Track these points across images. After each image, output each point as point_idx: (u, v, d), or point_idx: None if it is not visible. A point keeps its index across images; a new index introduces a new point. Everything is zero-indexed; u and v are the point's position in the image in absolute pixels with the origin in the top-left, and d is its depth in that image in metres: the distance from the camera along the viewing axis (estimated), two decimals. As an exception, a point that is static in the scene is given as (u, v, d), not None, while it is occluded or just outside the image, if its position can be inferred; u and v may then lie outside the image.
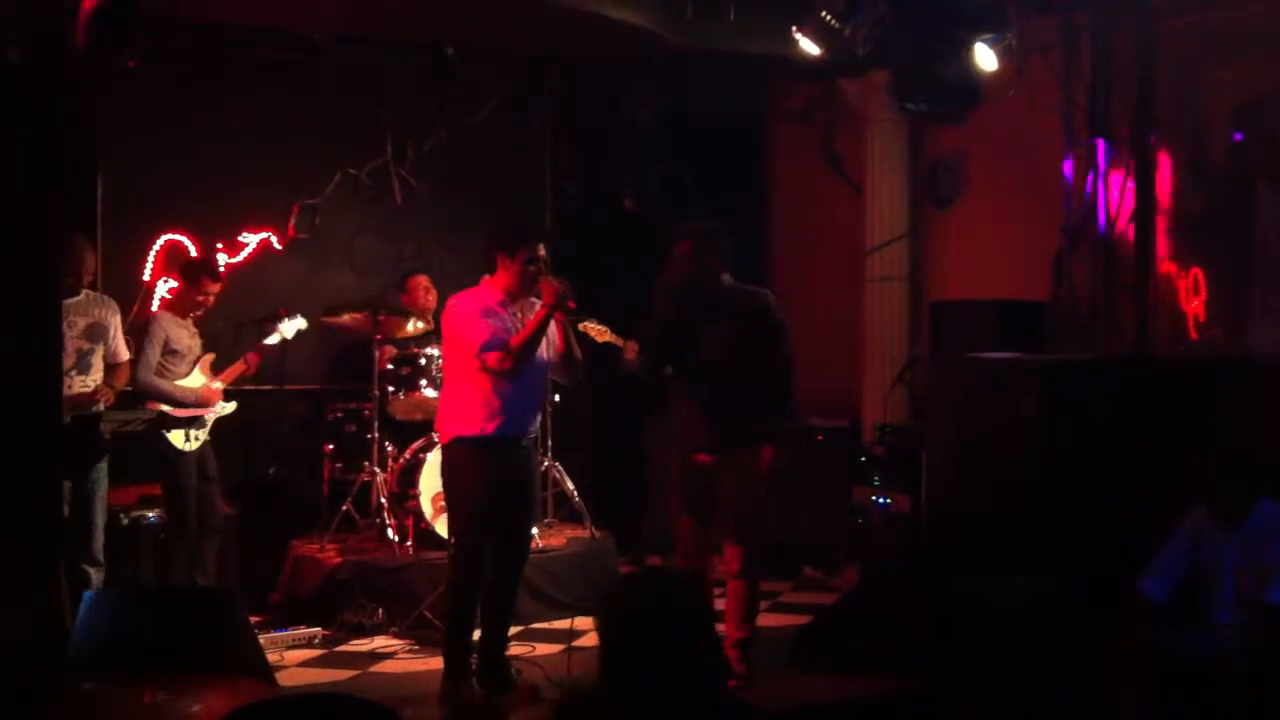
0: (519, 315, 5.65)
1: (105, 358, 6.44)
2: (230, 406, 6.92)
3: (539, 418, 5.91)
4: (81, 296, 6.36)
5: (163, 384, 6.64)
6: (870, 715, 5.35)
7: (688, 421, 5.90)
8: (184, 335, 6.78)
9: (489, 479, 5.54)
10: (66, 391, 6.08)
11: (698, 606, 2.85)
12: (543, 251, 5.64)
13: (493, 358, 5.46)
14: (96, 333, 6.37)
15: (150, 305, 7.79)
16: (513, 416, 5.60)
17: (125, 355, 6.56)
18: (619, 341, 7.76)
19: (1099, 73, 7.27)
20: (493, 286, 5.65)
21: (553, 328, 5.67)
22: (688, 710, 2.67)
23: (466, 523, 5.62)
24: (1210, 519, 4.78)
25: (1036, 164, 7.59)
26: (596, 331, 7.59)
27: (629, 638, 2.72)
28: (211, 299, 6.84)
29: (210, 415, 6.80)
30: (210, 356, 6.89)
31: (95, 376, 6.37)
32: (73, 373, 6.20)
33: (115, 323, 6.51)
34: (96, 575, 6.37)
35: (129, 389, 6.65)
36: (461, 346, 5.56)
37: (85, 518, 6.25)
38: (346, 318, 7.51)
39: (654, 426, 8.34)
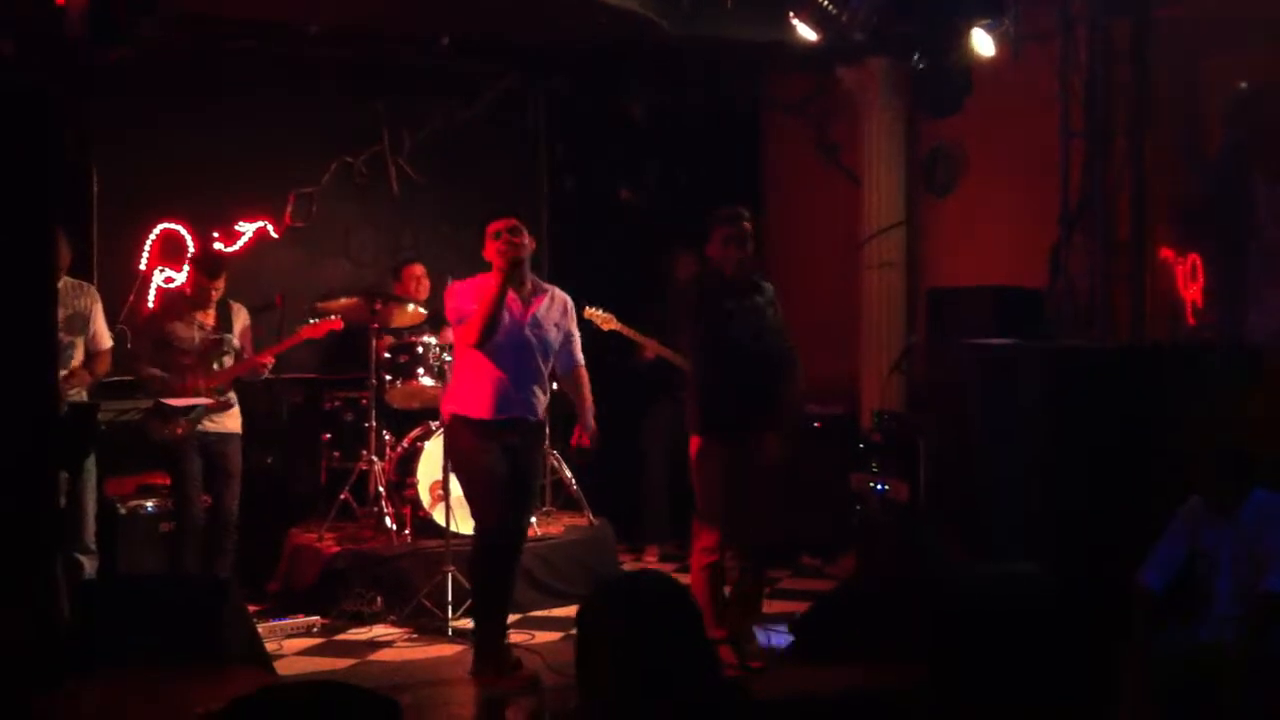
0: (518, 300, 5.73)
1: (86, 345, 6.40)
2: (205, 402, 6.71)
3: (542, 403, 5.89)
4: (59, 286, 6.30)
5: (155, 374, 6.63)
6: (867, 705, 5.36)
7: (723, 405, 5.86)
8: (181, 328, 6.70)
9: (490, 451, 5.65)
10: None
11: (683, 605, 2.83)
12: (513, 222, 5.68)
13: (459, 330, 5.65)
14: (75, 324, 6.28)
15: (146, 294, 7.77)
16: (507, 401, 5.69)
17: (108, 342, 6.50)
18: (633, 335, 7.77)
19: (1096, 61, 7.26)
20: (490, 276, 5.74)
21: (571, 328, 5.92)
22: (686, 709, 2.66)
23: (480, 494, 5.70)
24: (1206, 509, 4.78)
25: (1033, 151, 7.57)
26: (602, 319, 7.62)
27: (615, 642, 2.70)
28: (214, 294, 6.79)
29: (203, 405, 6.72)
30: (221, 351, 6.84)
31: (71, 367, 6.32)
32: None
33: (96, 310, 6.44)
34: (89, 563, 6.36)
35: (120, 378, 6.64)
36: (451, 325, 5.75)
37: (76, 507, 6.24)
38: (343, 303, 7.49)
39: (653, 415, 8.35)
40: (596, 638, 2.73)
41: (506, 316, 5.66)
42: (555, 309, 5.87)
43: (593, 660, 2.73)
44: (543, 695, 5.65)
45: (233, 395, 6.80)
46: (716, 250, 5.93)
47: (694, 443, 5.93)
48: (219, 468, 6.74)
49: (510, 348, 5.68)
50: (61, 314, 6.22)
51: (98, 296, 6.52)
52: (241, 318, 6.91)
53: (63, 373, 6.21)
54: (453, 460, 5.96)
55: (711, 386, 5.88)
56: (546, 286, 5.89)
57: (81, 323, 6.33)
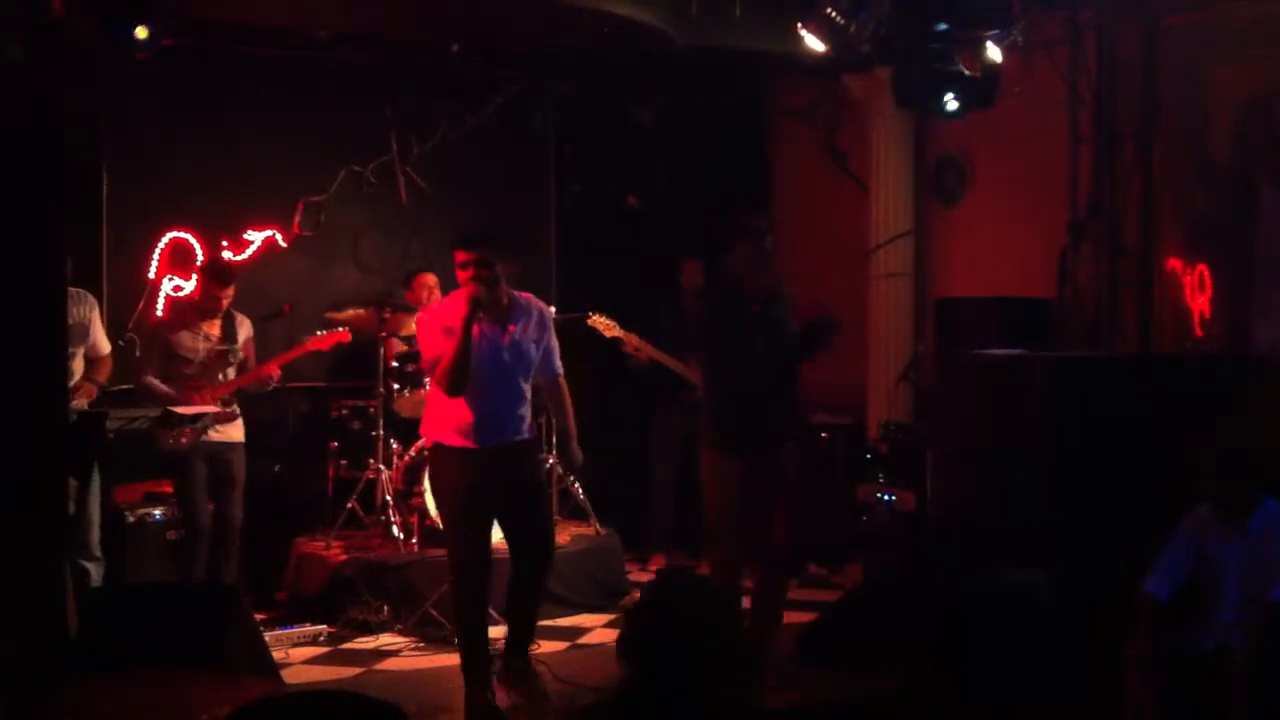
0: (492, 320, 5.46)
1: (85, 354, 6.42)
2: (213, 409, 6.70)
3: (529, 418, 5.66)
4: None
5: (156, 385, 6.64)
6: (873, 715, 5.34)
7: (742, 419, 5.73)
8: (187, 338, 6.72)
9: (473, 484, 5.43)
10: None
11: (731, 609, 2.86)
12: (476, 255, 5.33)
13: (433, 379, 5.41)
14: (75, 334, 6.26)
15: (155, 302, 7.79)
16: (492, 427, 5.45)
17: (106, 348, 6.53)
18: (636, 341, 7.78)
19: (1104, 69, 7.26)
20: (459, 298, 5.45)
21: (550, 339, 5.65)
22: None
23: (455, 528, 5.55)
24: (1214, 517, 4.77)
25: (1041, 161, 7.58)
26: (605, 326, 7.63)
27: (661, 642, 2.71)
28: (224, 303, 6.80)
29: (211, 413, 6.71)
30: (228, 362, 6.84)
31: (74, 380, 6.33)
32: None
33: (94, 317, 6.47)
34: (95, 570, 6.37)
35: (127, 387, 6.67)
36: (425, 369, 5.51)
37: (82, 513, 6.25)
38: (351, 314, 7.51)
39: (660, 424, 8.35)
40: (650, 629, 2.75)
41: (485, 344, 5.39)
42: (533, 325, 5.58)
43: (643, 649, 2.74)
44: (547, 704, 5.64)
45: (236, 406, 6.81)
46: (741, 264, 5.76)
47: (707, 457, 5.76)
48: (224, 476, 6.76)
49: (492, 375, 5.42)
50: None
51: (95, 303, 6.54)
52: (245, 328, 6.91)
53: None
54: (434, 487, 5.78)
55: (730, 401, 5.73)
56: (523, 300, 5.59)
57: (81, 332, 6.35)
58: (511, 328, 5.51)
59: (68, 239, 6.11)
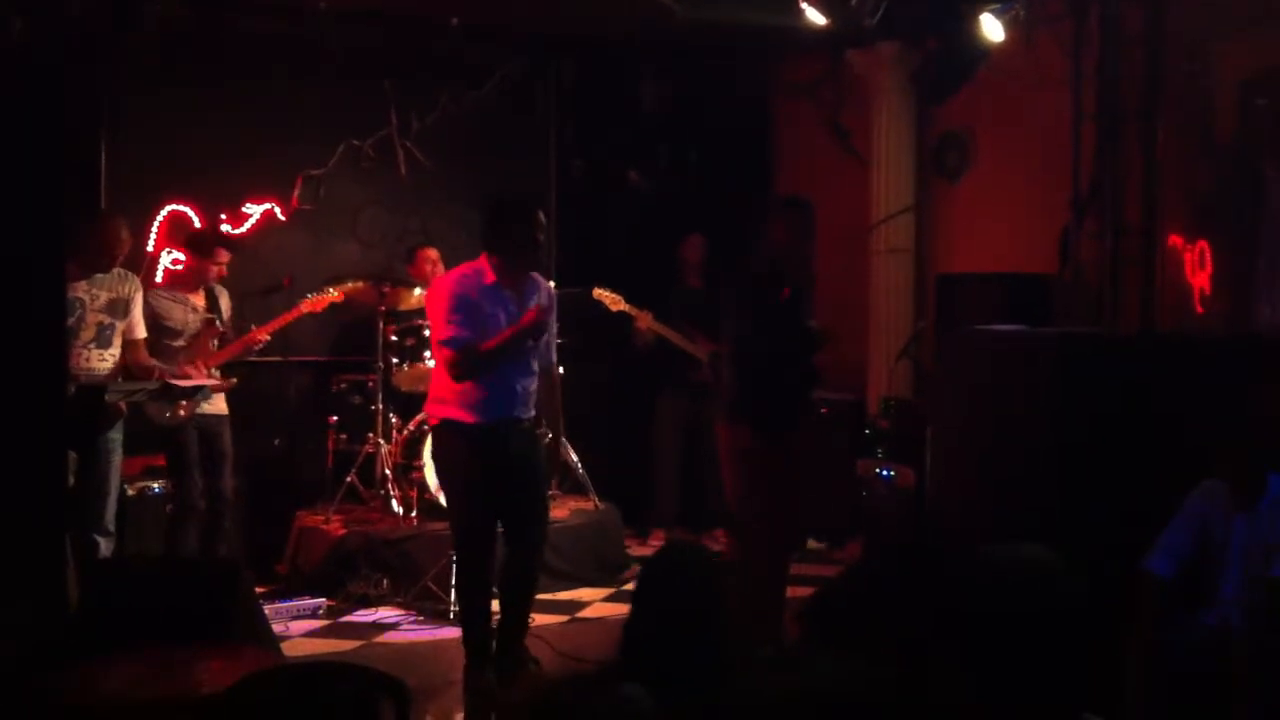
0: (514, 296, 5.41)
1: (124, 333, 6.42)
2: (211, 382, 6.70)
3: (534, 395, 5.58)
4: (111, 272, 6.33)
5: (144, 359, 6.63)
6: (869, 696, 5.33)
7: (783, 398, 5.70)
8: (177, 310, 6.70)
9: (480, 460, 5.37)
10: (84, 365, 6.10)
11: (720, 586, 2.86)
12: (541, 218, 5.41)
13: (444, 356, 5.31)
14: (118, 308, 6.29)
15: (154, 276, 7.77)
16: (501, 402, 5.39)
17: (141, 333, 6.52)
18: (633, 311, 7.76)
19: (1108, 45, 7.22)
20: (486, 265, 5.40)
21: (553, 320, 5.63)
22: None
23: (460, 504, 5.51)
24: (1225, 494, 4.74)
25: (1044, 137, 7.55)
26: (611, 300, 7.61)
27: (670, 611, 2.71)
28: (224, 269, 6.79)
29: (209, 386, 6.69)
30: (217, 332, 6.82)
31: (114, 352, 6.33)
32: (91, 345, 6.17)
33: (137, 299, 6.46)
34: (106, 545, 6.36)
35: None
36: (441, 328, 5.34)
37: (98, 488, 6.23)
38: (350, 288, 7.49)
39: (666, 406, 8.35)
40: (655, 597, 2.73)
41: (506, 317, 5.34)
42: (544, 298, 5.52)
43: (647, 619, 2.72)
44: (543, 677, 5.63)
45: (219, 374, 6.81)
46: (782, 239, 5.71)
47: (736, 438, 5.68)
48: (214, 449, 6.77)
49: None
50: (106, 297, 6.27)
51: (140, 286, 6.50)
52: (225, 299, 6.92)
53: (105, 364, 6.23)
54: (439, 464, 5.71)
55: (772, 381, 5.67)
56: (531, 275, 5.52)
57: (124, 308, 6.35)
58: (531, 295, 5.46)
59: (66, 211, 6.14)
